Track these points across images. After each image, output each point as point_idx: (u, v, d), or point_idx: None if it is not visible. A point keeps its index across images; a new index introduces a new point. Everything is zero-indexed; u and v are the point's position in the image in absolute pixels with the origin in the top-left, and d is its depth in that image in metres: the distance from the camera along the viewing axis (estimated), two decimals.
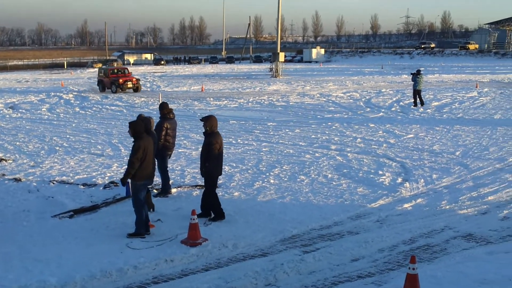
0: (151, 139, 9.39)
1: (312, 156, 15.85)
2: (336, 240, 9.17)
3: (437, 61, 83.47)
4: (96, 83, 42.69)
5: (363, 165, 14.60)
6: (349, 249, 8.67)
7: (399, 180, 12.95)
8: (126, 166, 9.12)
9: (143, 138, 9.07)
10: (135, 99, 34.55)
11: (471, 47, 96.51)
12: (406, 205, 11.01)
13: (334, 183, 12.79)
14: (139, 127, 9.12)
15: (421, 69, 30.41)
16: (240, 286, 7.33)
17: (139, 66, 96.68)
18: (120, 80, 39.68)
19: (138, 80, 40.88)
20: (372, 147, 17.09)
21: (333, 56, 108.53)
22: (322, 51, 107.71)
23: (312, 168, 14.35)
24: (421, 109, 26.52)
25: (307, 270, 7.94)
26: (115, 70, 41.76)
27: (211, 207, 9.99)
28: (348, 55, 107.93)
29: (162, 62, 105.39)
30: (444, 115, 24.38)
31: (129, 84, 40.02)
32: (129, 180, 9.22)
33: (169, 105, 12.19)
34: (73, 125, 23.49)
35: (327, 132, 20.21)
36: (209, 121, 9.83)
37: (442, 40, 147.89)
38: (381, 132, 20.10)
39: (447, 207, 10.91)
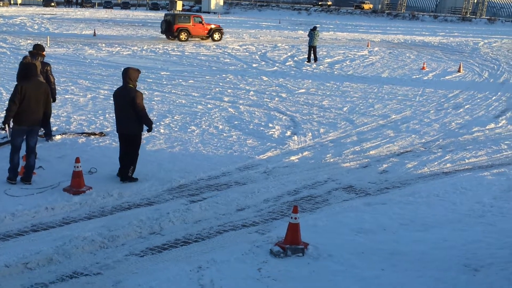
0: (35, 84, 8.80)
1: (204, 107, 15.80)
2: (223, 190, 9.26)
3: (333, 18, 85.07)
4: (165, 28, 37.86)
5: (254, 117, 14.75)
6: (236, 199, 8.79)
7: (288, 133, 13.22)
8: None
9: (22, 81, 8.61)
10: (20, 41, 32.64)
11: (366, 6, 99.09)
12: (293, 158, 11.28)
13: (224, 134, 12.85)
14: (20, 70, 8.67)
15: (317, 26, 30.87)
16: (123, 235, 7.25)
17: (27, 7, 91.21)
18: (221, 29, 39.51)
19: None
20: (264, 100, 17.28)
21: (232, 8, 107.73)
22: (221, 2, 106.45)
23: (204, 119, 14.32)
24: (314, 65, 27.06)
25: (193, 219, 7.98)
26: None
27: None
28: (247, 8, 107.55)
29: (52, 4, 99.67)
30: (335, 72, 25.06)
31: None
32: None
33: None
34: None
35: (221, 84, 20.17)
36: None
37: None
38: (274, 86, 20.33)
39: (331, 160, 11.30)
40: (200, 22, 38.69)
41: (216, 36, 39.03)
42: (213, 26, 39.31)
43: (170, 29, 37.67)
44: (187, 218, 7.98)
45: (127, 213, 8.03)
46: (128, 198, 8.62)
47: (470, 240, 7.60)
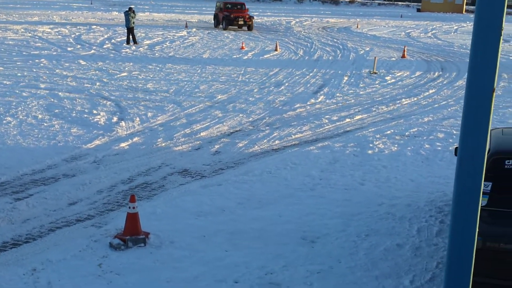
0: None
1: (19, 96, 14.68)
2: (51, 184, 8.68)
3: None
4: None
5: (76, 104, 14.02)
6: (66, 193, 8.30)
7: (115, 119, 12.76)
8: None
9: None
10: None
11: None
12: (123, 144, 10.91)
13: (45, 124, 12.05)
14: None
15: (131, 6, 30.11)
16: None
17: None
18: (232, 16, 38.41)
19: (251, 17, 38.74)
20: (84, 86, 16.50)
21: None
22: None
23: (20, 108, 13.30)
24: (134, 47, 26.44)
25: (21, 218, 7.38)
26: (229, 5, 39.55)
27: None
28: None
29: None
30: (156, 54, 24.69)
31: (240, 21, 38.31)
32: None
33: None
34: None
35: (34, 70, 18.89)
36: None
37: None
38: (93, 70, 19.51)
39: (163, 144, 11.11)
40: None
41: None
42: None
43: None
44: (14, 217, 7.37)
45: None
46: None
47: (304, 213, 7.92)
